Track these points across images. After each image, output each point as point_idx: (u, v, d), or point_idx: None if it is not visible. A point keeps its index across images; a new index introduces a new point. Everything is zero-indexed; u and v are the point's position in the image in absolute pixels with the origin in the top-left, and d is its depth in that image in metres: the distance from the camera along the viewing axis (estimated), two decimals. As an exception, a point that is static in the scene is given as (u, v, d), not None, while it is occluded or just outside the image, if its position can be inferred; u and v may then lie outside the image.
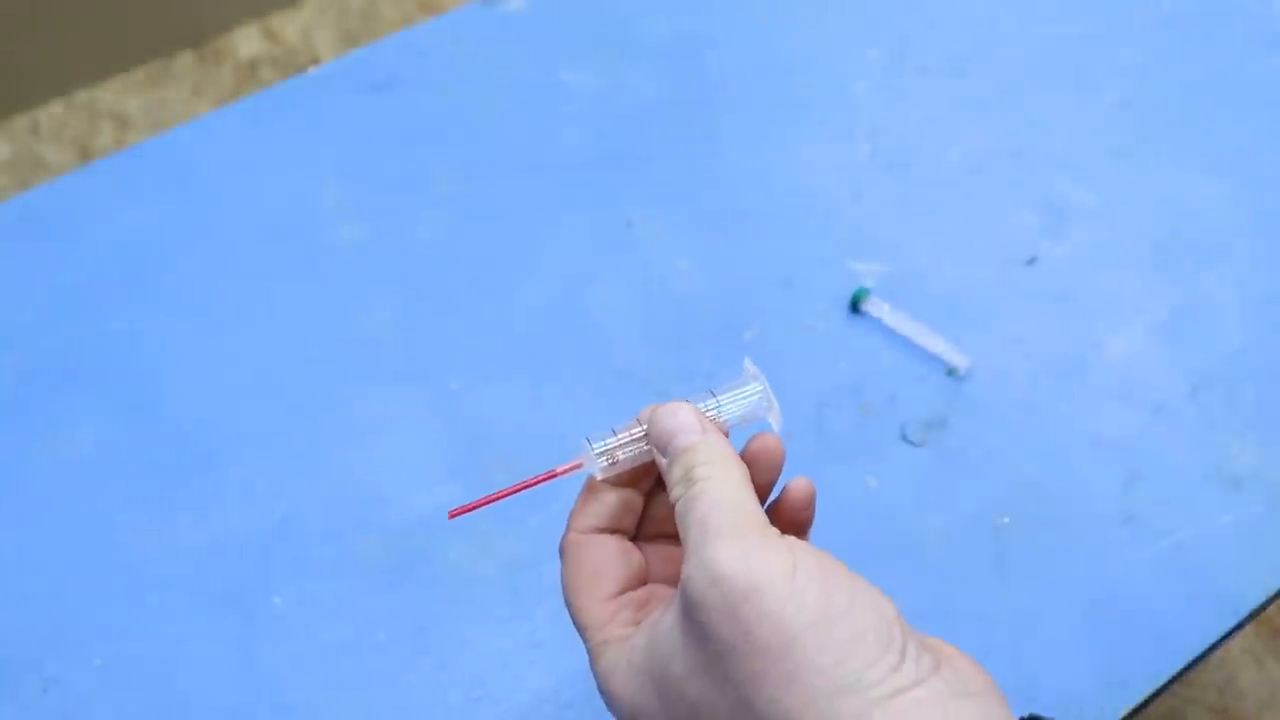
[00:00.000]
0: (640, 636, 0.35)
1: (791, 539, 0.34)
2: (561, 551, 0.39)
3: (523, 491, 0.38)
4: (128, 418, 0.63)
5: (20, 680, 0.54)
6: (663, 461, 0.37)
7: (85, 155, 1.69)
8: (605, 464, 0.38)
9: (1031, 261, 0.66)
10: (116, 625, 0.56)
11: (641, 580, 0.39)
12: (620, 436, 0.38)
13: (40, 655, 0.55)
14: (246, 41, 1.82)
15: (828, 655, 0.31)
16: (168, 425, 0.62)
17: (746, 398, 0.39)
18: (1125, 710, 0.52)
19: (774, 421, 0.39)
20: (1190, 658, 0.53)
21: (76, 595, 0.57)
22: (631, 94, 0.76)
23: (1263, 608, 0.55)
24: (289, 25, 1.83)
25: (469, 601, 0.55)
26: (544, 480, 0.38)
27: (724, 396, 0.39)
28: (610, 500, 0.39)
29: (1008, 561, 0.56)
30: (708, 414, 0.38)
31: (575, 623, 0.38)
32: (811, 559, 0.33)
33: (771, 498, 0.40)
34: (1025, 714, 0.35)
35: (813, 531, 0.58)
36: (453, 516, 0.38)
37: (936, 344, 0.63)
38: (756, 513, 0.34)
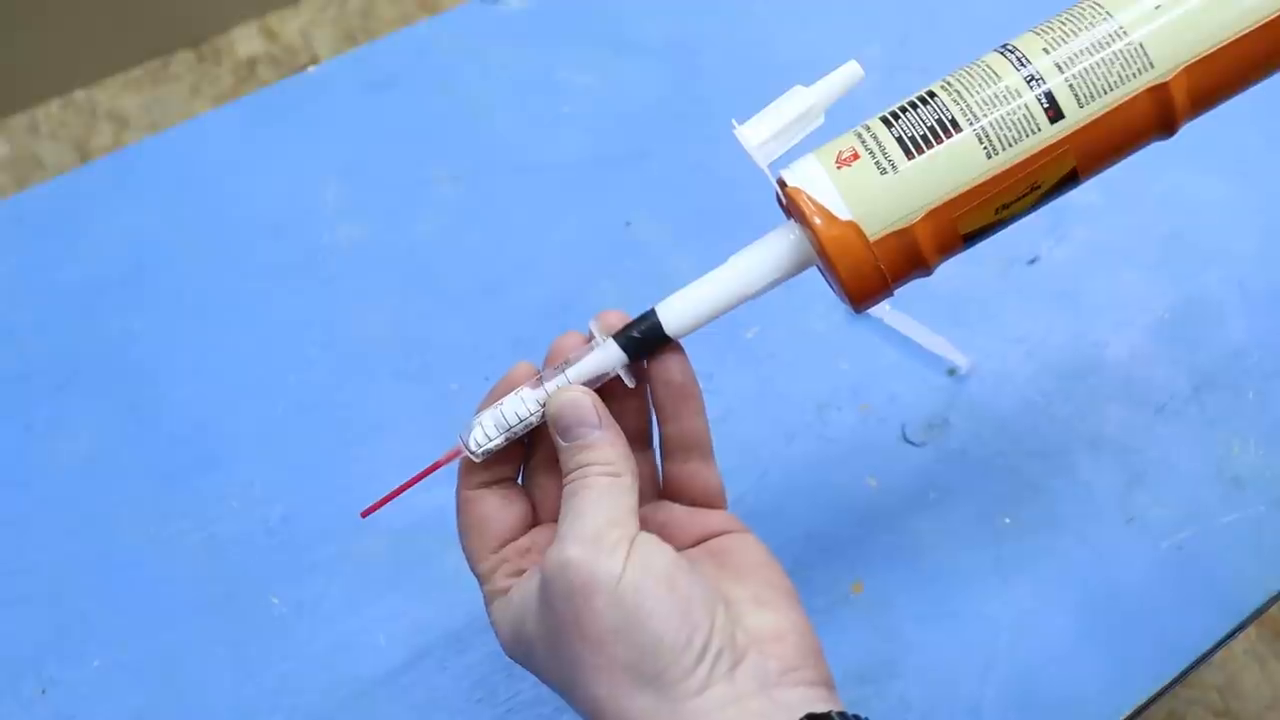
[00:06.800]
0: (515, 592, 0.40)
1: (643, 542, 0.37)
2: (456, 508, 0.42)
3: (421, 480, 0.42)
4: (128, 418, 0.63)
5: (19, 681, 0.54)
6: (559, 441, 0.39)
7: (83, 154, 1.69)
8: (482, 454, 0.41)
9: (1033, 261, 0.66)
10: (115, 626, 0.56)
11: (524, 527, 0.42)
12: (494, 434, 0.40)
13: (39, 656, 0.55)
14: (245, 40, 1.82)
15: (631, 655, 0.35)
16: (167, 425, 0.62)
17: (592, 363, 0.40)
18: (1127, 712, 0.52)
19: (625, 375, 0.41)
20: (1192, 659, 0.53)
21: (75, 595, 0.57)
22: (631, 93, 0.76)
23: (1265, 608, 0.55)
24: (288, 24, 1.83)
25: (468, 602, 0.55)
26: (431, 471, 0.41)
27: (571, 371, 0.41)
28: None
29: (1008, 561, 0.56)
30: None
31: (472, 572, 0.42)
32: (638, 568, 0.36)
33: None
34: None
35: (813, 531, 0.58)
36: (365, 515, 0.43)
37: (937, 344, 0.63)
38: (622, 517, 0.37)
